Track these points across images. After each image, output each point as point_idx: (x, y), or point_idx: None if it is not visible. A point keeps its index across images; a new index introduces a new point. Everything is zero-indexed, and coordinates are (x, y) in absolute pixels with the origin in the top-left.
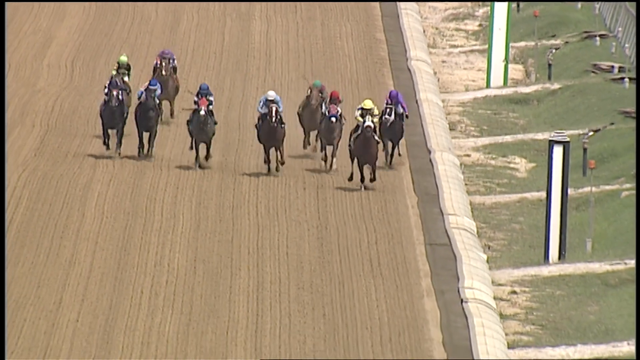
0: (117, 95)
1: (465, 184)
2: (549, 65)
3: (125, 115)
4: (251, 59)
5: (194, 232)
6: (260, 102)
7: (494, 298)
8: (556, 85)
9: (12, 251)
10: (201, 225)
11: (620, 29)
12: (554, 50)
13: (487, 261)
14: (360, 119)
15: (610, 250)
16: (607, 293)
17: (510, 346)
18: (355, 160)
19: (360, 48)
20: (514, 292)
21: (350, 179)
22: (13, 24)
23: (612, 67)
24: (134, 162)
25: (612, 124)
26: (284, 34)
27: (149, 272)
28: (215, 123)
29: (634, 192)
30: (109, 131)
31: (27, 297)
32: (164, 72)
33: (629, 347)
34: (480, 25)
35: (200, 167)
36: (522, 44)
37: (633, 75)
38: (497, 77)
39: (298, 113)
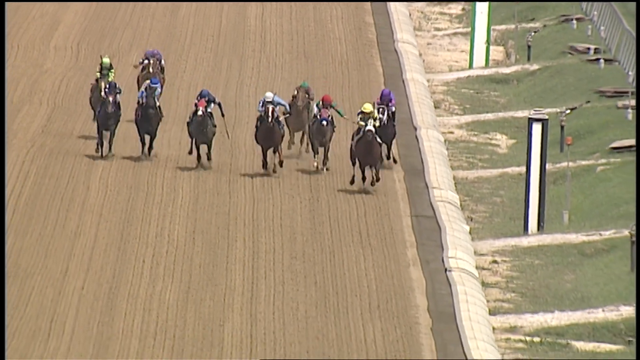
0: (114, 100)
1: (449, 159)
2: (528, 47)
3: (119, 118)
4: (247, 41)
5: (192, 205)
6: (259, 102)
7: (476, 267)
8: (535, 66)
9: (21, 223)
10: (199, 199)
11: (595, 12)
12: (533, 33)
13: (470, 232)
14: (362, 123)
15: (586, 222)
16: (583, 262)
17: (492, 313)
18: (357, 163)
19: (350, 30)
20: (495, 262)
21: (352, 182)
22: (22, 7)
23: (588, 48)
24: (137, 140)
25: (588, 102)
26: (278, 17)
27: (150, 242)
28: (215, 126)
29: (609, 167)
30: (103, 132)
31: (35, 266)
32: (151, 70)
33: (603, 314)
34: (463, 9)
35: (202, 167)
36: (503, 27)
37: (608, 56)
38: (479, 58)
39: (283, 113)
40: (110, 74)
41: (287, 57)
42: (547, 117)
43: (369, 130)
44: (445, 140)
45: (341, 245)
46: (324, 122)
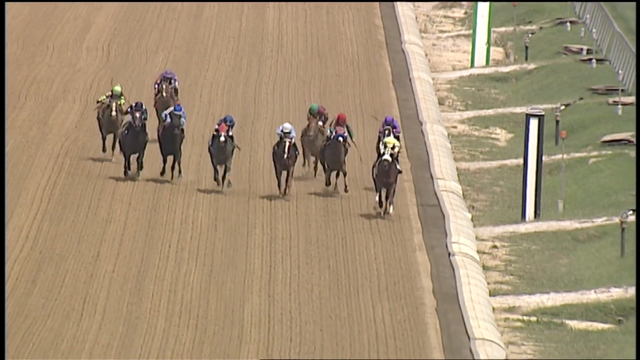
0: (140, 117)
1: (452, 152)
2: (526, 47)
3: (146, 139)
4: (265, 42)
5: (215, 194)
6: (278, 129)
7: (477, 252)
8: (532, 65)
9: (56, 211)
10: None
11: (588, 16)
12: (530, 35)
13: (472, 219)
14: (382, 151)
15: (579, 210)
16: (576, 248)
17: (492, 294)
18: (376, 187)
19: (360, 32)
20: (495, 247)
21: (381, 205)
22: (57, 11)
23: (581, 49)
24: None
25: (581, 99)
26: (293, 20)
27: (176, 229)
28: (236, 147)
29: (600, 159)
30: (130, 156)
31: (69, 251)
32: (164, 94)
33: (595, 295)
34: (465, 13)
35: (222, 188)
36: (503, 29)
37: (600, 56)
38: (480, 58)
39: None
40: (120, 100)
41: (302, 57)
42: (543, 112)
43: (386, 160)
44: (448, 134)
45: (352, 232)
46: (340, 139)
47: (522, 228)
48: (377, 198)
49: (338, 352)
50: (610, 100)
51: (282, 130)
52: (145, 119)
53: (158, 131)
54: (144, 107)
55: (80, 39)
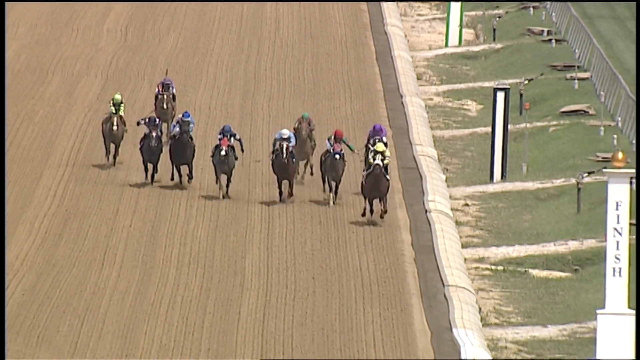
0: (157, 135)
1: (429, 121)
2: (494, 29)
3: (161, 151)
4: (264, 24)
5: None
6: (276, 137)
7: (451, 209)
8: (499, 45)
9: (80, 172)
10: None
11: (548, 2)
12: (497, 18)
13: (446, 181)
14: (372, 161)
15: (541, 172)
16: (538, 205)
17: (464, 246)
18: (367, 196)
19: (348, 16)
20: (467, 205)
21: (364, 214)
22: None
23: (542, 31)
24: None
25: (542, 74)
26: (289, 5)
27: (185, 190)
28: (236, 158)
29: (559, 127)
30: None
31: (91, 208)
32: (165, 105)
33: (554, 247)
34: None
35: (222, 197)
36: (473, 13)
37: (558, 37)
38: (453, 39)
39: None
40: (120, 108)
41: (296, 38)
42: (508, 86)
43: (377, 165)
44: (425, 106)
45: (341, 192)
46: (337, 156)
47: (490, 188)
48: (367, 206)
49: (328, 297)
50: (568, 75)
51: (280, 136)
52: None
53: (170, 144)
54: (157, 122)
55: (101, 22)
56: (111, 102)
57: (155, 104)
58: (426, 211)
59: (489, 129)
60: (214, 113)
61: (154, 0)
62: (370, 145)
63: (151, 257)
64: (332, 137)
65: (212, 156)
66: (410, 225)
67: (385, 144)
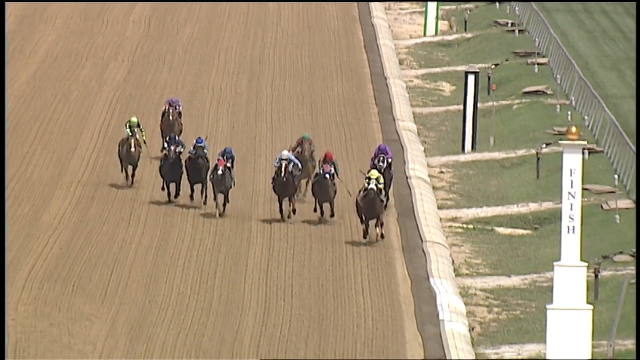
0: (175, 150)
1: (410, 100)
2: (465, 21)
3: (182, 170)
4: (267, 17)
5: (229, 134)
6: (276, 159)
7: (429, 176)
8: (470, 35)
9: (110, 144)
10: (235, 129)
11: None
12: (468, 11)
13: (424, 151)
14: (366, 185)
15: (505, 144)
16: (503, 172)
17: (439, 207)
18: (363, 216)
19: (340, 10)
20: (442, 172)
21: (365, 236)
22: None
23: (507, 22)
24: (189, 87)
25: (507, 60)
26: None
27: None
28: (233, 178)
29: (521, 105)
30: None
31: (119, 176)
32: (170, 118)
33: (517, 208)
34: None
35: (219, 215)
36: (447, 7)
37: (521, 28)
38: (430, 29)
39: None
40: (139, 130)
41: (295, 28)
42: (478, 70)
43: (372, 189)
44: (406, 87)
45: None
46: (327, 176)
47: (462, 158)
48: (363, 227)
49: (323, 251)
50: (529, 61)
51: (280, 158)
52: (181, 146)
53: (186, 164)
54: (178, 141)
55: (127, 14)
56: (127, 124)
57: (162, 120)
58: (407, 177)
59: (461, 106)
60: (225, 93)
61: None
62: (376, 162)
63: (170, 216)
64: (323, 158)
65: (211, 176)
66: (393, 190)
67: (390, 164)
